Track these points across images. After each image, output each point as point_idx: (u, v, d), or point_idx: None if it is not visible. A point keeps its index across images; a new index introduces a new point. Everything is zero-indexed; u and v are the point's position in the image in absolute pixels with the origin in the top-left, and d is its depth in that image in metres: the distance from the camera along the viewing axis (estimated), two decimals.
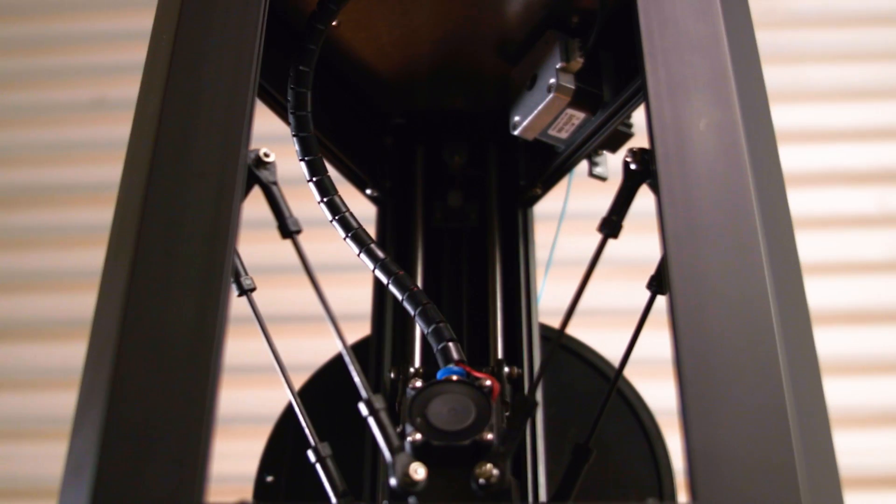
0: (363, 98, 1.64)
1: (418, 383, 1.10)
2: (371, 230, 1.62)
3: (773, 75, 1.17)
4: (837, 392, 1.37)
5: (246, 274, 1.18)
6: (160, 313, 0.91)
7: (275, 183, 1.08)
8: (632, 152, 1.13)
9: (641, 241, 1.22)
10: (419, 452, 0.99)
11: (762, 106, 1.08)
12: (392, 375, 1.44)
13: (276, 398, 1.35)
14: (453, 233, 1.65)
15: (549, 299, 1.66)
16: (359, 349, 1.59)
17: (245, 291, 1.18)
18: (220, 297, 0.91)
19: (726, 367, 0.87)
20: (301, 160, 1.32)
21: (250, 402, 1.29)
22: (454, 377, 1.10)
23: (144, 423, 0.85)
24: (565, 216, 1.67)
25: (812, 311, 1.00)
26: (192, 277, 0.92)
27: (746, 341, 0.89)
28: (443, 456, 0.99)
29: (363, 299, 1.36)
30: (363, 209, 1.64)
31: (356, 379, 1.08)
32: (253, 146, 1.06)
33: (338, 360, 1.59)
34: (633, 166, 1.13)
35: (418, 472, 0.96)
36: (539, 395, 1.49)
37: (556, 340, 1.27)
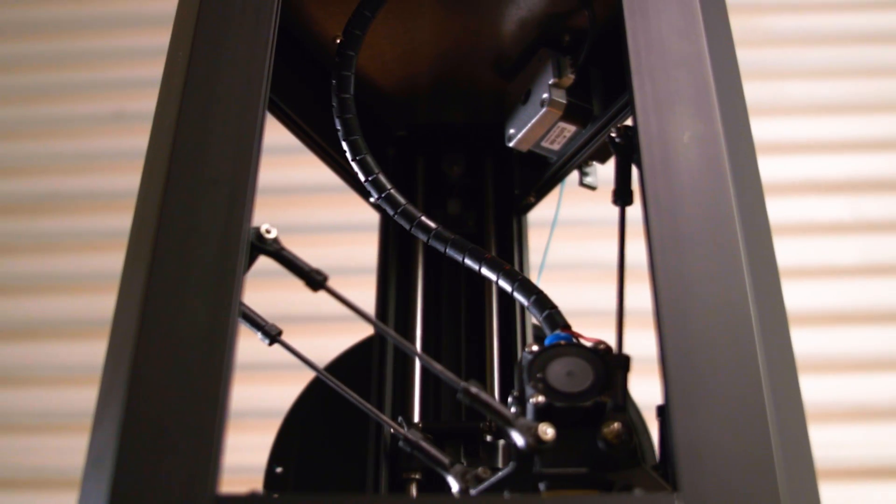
0: (367, 111, 1.64)
1: (535, 347, 1.04)
2: (375, 236, 1.63)
3: (753, 91, 1.17)
4: (812, 389, 1.37)
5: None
6: (175, 314, 0.90)
7: (282, 249, 1.07)
8: (616, 129, 1.15)
9: (631, 247, 1.22)
10: (541, 414, 0.96)
11: (742, 119, 1.08)
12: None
13: (285, 394, 1.35)
14: None
15: None
16: (363, 347, 1.59)
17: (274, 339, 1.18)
18: (233, 298, 0.91)
19: (708, 365, 0.87)
20: (365, 181, 1.34)
21: (260, 398, 1.29)
22: (563, 342, 1.06)
23: (161, 418, 0.85)
24: (557, 223, 1.67)
25: (789, 312, 1.00)
26: (206, 280, 0.92)
27: (727, 341, 0.89)
28: (563, 417, 0.96)
29: (366, 301, 1.36)
30: (367, 216, 1.64)
31: (442, 375, 1.06)
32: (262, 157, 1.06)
33: (340, 360, 1.59)
34: (618, 140, 1.15)
35: (547, 432, 0.93)
36: None
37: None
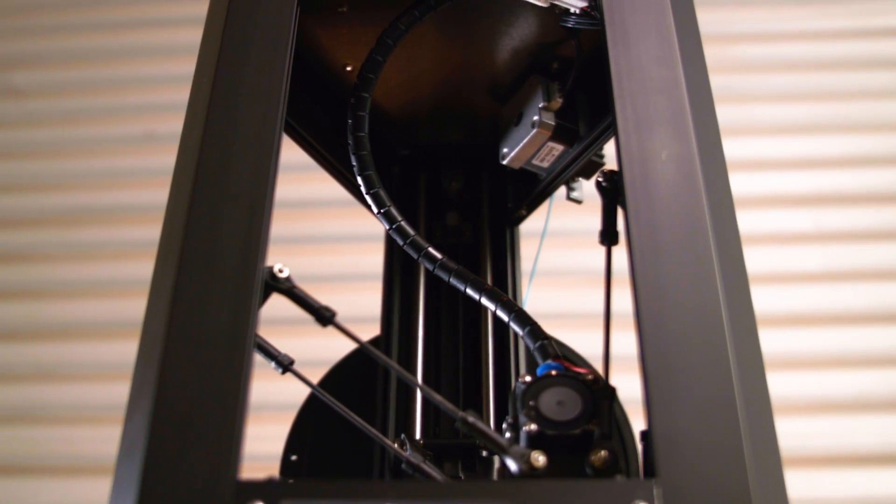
0: (374, 132, 1.64)
1: (528, 378, 1.04)
2: (380, 245, 1.62)
3: (724, 113, 1.16)
4: (779, 384, 1.37)
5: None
6: (200, 316, 0.90)
7: (293, 287, 1.07)
8: (602, 174, 1.14)
9: (616, 256, 1.22)
10: (533, 441, 0.96)
11: (715, 139, 1.08)
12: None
13: (299, 390, 1.34)
14: (451, 248, 1.65)
15: (533, 304, 1.66)
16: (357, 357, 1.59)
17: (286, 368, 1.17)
18: (252, 302, 0.91)
19: (683, 363, 0.87)
20: (377, 213, 1.34)
21: (277, 393, 1.29)
22: (553, 371, 1.05)
23: (187, 411, 0.85)
24: (547, 234, 1.67)
25: (757, 314, 1.00)
26: (228, 285, 0.92)
27: (701, 341, 0.89)
28: (554, 443, 0.95)
29: (372, 303, 1.36)
30: (374, 228, 1.64)
31: (442, 405, 1.05)
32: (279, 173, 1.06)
33: (347, 358, 1.59)
34: (604, 184, 1.14)
35: (539, 459, 0.92)
36: None
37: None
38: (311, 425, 1.47)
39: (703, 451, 0.83)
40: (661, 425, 0.84)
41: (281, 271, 1.04)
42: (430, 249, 1.32)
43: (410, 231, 1.32)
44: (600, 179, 1.15)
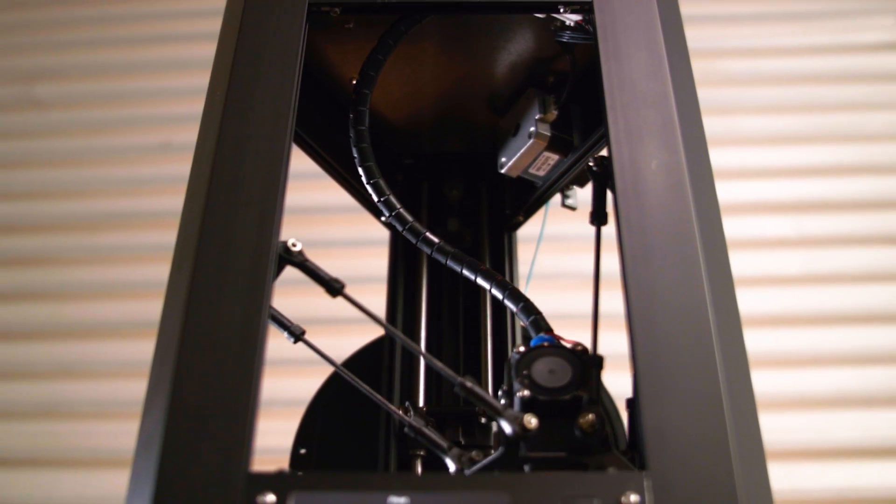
0: (379, 143, 1.64)
1: (522, 349, 1.06)
2: (385, 250, 1.62)
3: (711, 124, 1.16)
4: (762, 381, 1.37)
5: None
6: (214, 317, 0.91)
7: (305, 261, 1.08)
8: (593, 159, 1.18)
9: (606, 259, 1.22)
10: (526, 406, 0.98)
11: (702, 149, 1.08)
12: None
13: (307, 386, 1.35)
14: None
15: None
16: (374, 346, 1.59)
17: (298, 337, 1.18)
18: (263, 303, 0.91)
19: (672, 361, 0.87)
20: (378, 201, 1.35)
21: (286, 390, 1.29)
22: (545, 343, 1.08)
23: (201, 407, 0.85)
24: (542, 238, 1.67)
25: (742, 315, 1.00)
26: (240, 287, 0.92)
27: (689, 340, 0.89)
28: (545, 408, 0.97)
29: (376, 304, 1.36)
30: (379, 233, 1.64)
31: (442, 371, 1.07)
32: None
33: (355, 356, 1.59)
34: (595, 168, 1.17)
35: (531, 421, 0.94)
36: None
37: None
38: (318, 421, 1.47)
39: (691, 445, 0.83)
40: (650, 421, 0.84)
41: (294, 245, 1.05)
42: (428, 234, 1.33)
43: (409, 217, 1.33)
44: (591, 164, 1.18)
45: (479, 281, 1.31)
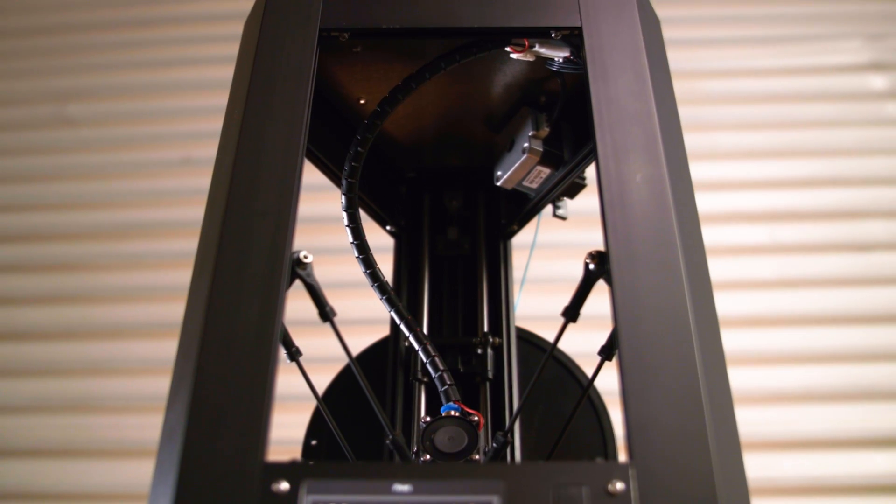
0: (384, 158, 1.64)
1: (427, 419, 1.21)
2: (389, 258, 1.62)
3: (691, 140, 1.17)
4: (738, 378, 1.37)
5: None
6: (232, 318, 0.91)
7: (313, 282, 1.08)
8: (591, 255, 1.05)
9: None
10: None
11: (683, 163, 1.08)
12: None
13: (318, 382, 1.34)
14: (451, 259, 1.65)
15: (524, 307, 1.67)
16: (378, 348, 1.59)
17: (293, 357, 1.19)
18: (277, 305, 0.92)
19: (656, 359, 0.87)
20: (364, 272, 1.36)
21: (299, 385, 1.29)
22: (452, 412, 1.22)
23: (220, 401, 0.85)
24: (535, 246, 1.67)
25: (720, 317, 1.00)
26: (256, 290, 0.92)
27: (671, 340, 0.89)
28: None
29: (381, 307, 1.36)
30: (383, 241, 1.64)
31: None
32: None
33: (362, 354, 1.59)
34: (591, 266, 1.05)
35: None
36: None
37: (549, 352, 1.27)
38: (329, 414, 1.48)
39: (673, 437, 0.83)
40: (635, 414, 0.84)
41: (305, 257, 1.05)
42: (380, 274, 1.36)
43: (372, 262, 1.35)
44: (588, 261, 1.05)
45: (411, 339, 1.36)
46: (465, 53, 1.24)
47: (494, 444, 1.26)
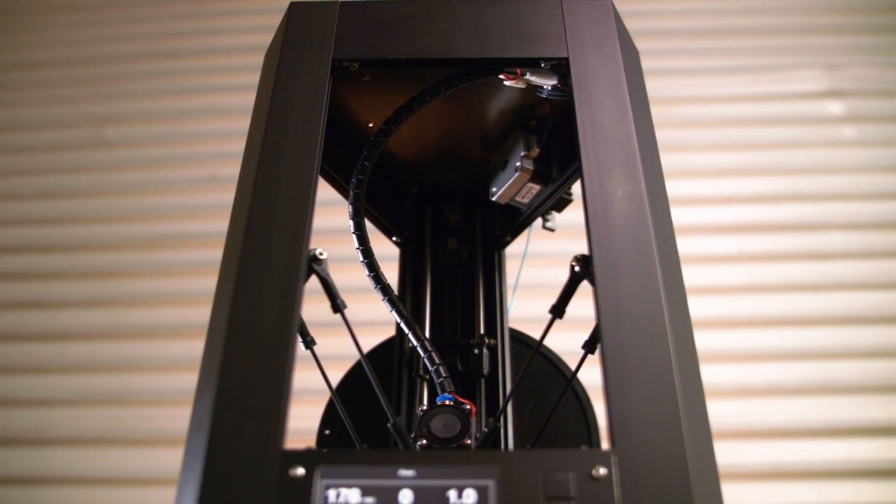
0: (391, 176, 1.64)
1: (425, 407, 1.26)
2: (396, 266, 1.62)
3: (667, 160, 1.17)
4: (709, 374, 1.37)
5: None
6: (254, 319, 0.91)
7: (327, 276, 1.08)
8: (576, 258, 1.03)
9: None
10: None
11: (660, 180, 1.08)
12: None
13: (331, 377, 1.34)
14: (451, 267, 1.65)
15: (516, 310, 1.67)
16: (385, 346, 1.59)
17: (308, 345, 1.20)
18: (295, 308, 0.91)
19: (635, 356, 0.87)
20: (368, 276, 1.37)
21: (313, 380, 1.29)
22: (447, 401, 1.23)
23: (243, 394, 0.85)
24: (527, 255, 1.68)
25: (693, 319, 1.00)
26: (276, 295, 0.92)
27: (648, 339, 0.89)
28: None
29: (386, 312, 1.36)
30: (389, 250, 1.64)
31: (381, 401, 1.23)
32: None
33: (371, 352, 1.59)
34: (576, 268, 1.03)
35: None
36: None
37: (536, 348, 1.28)
38: (340, 404, 1.47)
39: (650, 427, 0.83)
40: (617, 406, 0.84)
41: (321, 254, 1.05)
42: (382, 276, 1.37)
43: (376, 265, 1.36)
44: (573, 263, 1.03)
45: (410, 336, 1.37)
46: (462, 79, 1.24)
47: (486, 429, 1.26)
